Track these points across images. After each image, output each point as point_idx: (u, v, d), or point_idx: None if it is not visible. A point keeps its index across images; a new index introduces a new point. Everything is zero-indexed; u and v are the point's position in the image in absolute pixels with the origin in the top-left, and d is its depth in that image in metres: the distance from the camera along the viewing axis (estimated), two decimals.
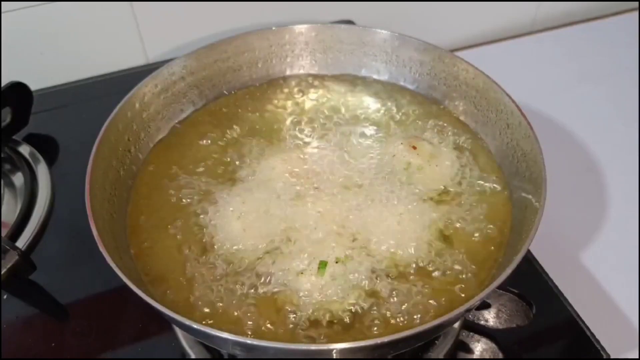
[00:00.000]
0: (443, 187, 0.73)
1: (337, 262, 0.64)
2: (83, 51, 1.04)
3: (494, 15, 1.21)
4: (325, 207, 0.70)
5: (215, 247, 0.67)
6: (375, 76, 0.86)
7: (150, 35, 1.05)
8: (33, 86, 0.93)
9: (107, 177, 0.69)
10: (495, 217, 0.70)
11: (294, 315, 0.61)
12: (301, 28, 0.85)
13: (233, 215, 0.69)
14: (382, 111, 0.82)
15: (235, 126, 0.81)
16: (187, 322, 0.54)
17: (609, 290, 0.79)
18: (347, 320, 0.61)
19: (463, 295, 0.63)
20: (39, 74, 1.01)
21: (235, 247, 0.67)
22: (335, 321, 0.61)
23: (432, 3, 1.15)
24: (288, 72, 0.87)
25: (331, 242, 0.66)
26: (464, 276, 0.65)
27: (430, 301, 0.62)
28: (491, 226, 0.69)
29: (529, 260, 0.77)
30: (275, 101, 0.84)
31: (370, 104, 0.83)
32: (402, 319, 0.61)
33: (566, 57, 1.15)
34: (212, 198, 0.72)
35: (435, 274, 0.65)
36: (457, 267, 0.65)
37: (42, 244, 0.80)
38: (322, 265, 0.63)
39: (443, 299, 0.63)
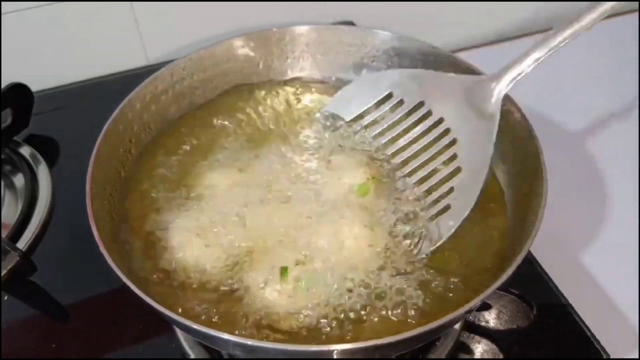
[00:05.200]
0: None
1: (297, 265, 0.63)
2: (83, 52, 1.04)
3: (495, 16, 1.21)
4: (282, 216, 0.68)
5: (179, 266, 0.65)
6: None
7: (151, 36, 1.05)
8: (34, 87, 0.94)
9: (108, 178, 0.69)
10: (497, 219, 0.70)
11: (265, 325, 0.60)
12: (301, 29, 0.85)
13: (192, 232, 0.67)
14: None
15: (231, 127, 0.81)
16: (187, 322, 0.54)
17: (609, 290, 0.79)
18: (319, 324, 0.60)
19: (464, 297, 0.63)
20: (40, 75, 1.01)
21: (198, 266, 0.65)
22: (306, 326, 0.60)
23: (433, 4, 1.15)
24: (289, 73, 0.87)
25: (289, 249, 0.65)
26: (464, 278, 0.64)
27: (411, 301, 0.62)
28: (492, 228, 0.69)
29: (530, 261, 0.77)
30: (276, 103, 0.84)
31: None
32: (374, 319, 0.61)
33: (566, 58, 1.15)
34: (167, 212, 0.70)
35: (434, 276, 0.65)
36: (458, 268, 0.65)
37: (43, 245, 0.80)
38: (284, 271, 0.62)
39: (432, 301, 0.63)
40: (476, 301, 0.55)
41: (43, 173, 0.88)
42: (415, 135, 0.74)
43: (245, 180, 0.72)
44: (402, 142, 0.75)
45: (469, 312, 0.56)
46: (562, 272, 0.77)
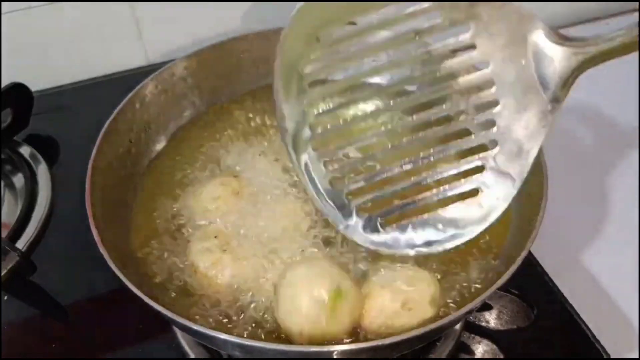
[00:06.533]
0: None
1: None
2: (83, 52, 1.04)
3: None
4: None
5: None
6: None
7: (151, 35, 1.05)
8: (33, 87, 0.93)
9: (108, 178, 0.69)
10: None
11: None
12: None
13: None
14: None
15: (229, 130, 0.80)
16: (187, 323, 0.54)
17: (609, 290, 0.79)
18: None
19: (465, 296, 0.63)
20: (40, 75, 1.01)
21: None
22: None
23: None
24: None
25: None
26: (464, 279, 0.65)
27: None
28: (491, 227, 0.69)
29: (530, 261, 0.77)
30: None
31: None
32: None
33: None
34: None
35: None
36: (459, 267, 0.65)
37: (43, 245, 0.80)
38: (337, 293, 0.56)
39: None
40: (477, 301, 0.55)
41: (43, 173, 0.88)
42: (444, 72, 0.51)
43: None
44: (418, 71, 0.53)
45: (470, 312, 0.56)
46: (562, 272, 0.77)
